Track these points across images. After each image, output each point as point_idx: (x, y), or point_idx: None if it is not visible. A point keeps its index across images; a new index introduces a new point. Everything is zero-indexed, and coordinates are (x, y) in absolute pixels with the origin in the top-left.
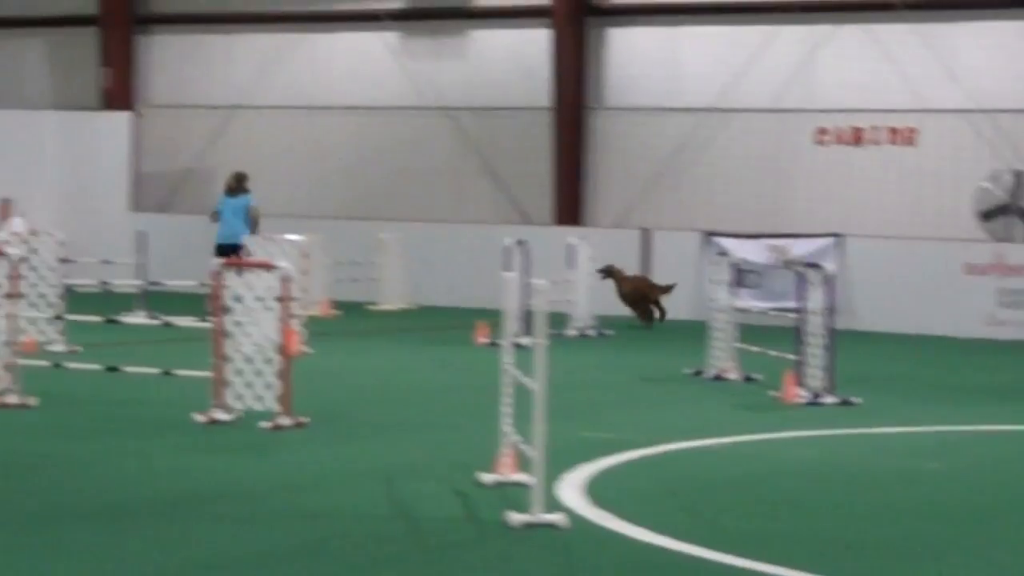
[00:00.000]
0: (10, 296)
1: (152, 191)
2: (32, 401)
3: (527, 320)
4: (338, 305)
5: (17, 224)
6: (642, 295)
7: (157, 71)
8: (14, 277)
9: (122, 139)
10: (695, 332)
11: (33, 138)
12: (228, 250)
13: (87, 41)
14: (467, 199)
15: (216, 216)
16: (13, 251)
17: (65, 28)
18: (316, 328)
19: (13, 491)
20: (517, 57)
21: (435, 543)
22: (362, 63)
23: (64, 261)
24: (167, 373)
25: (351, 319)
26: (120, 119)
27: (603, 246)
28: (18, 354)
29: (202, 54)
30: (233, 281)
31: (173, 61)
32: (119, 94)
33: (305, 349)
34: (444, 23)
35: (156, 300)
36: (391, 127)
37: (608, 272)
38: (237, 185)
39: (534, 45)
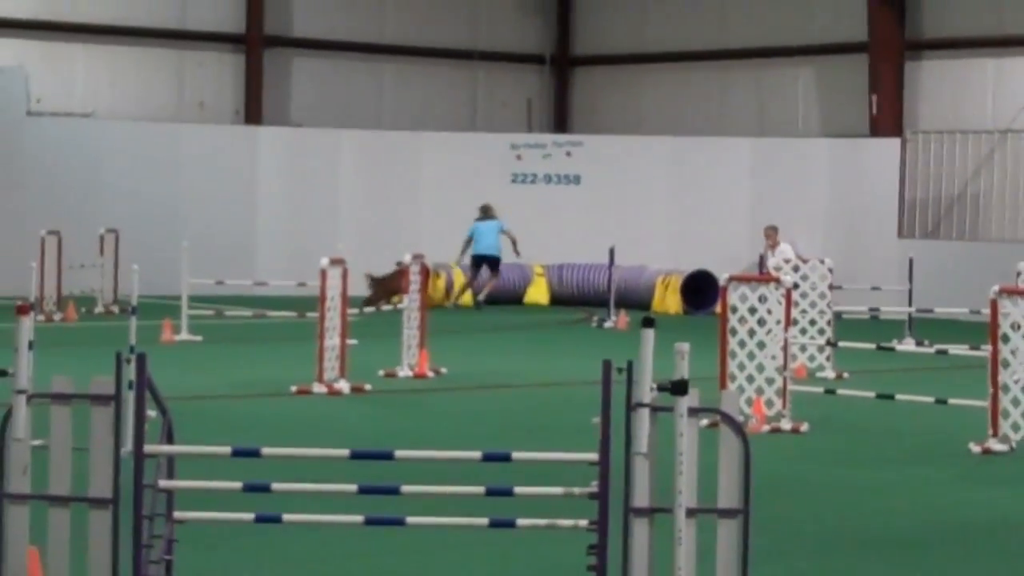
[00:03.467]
0: (784, 323)
1: (919, 217)
2: (804, 427)
3: None
4: None
5: (786, 251)
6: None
7: (925, 96)
8: (787, 304)
9: (891, 166)
10: None
11: (803, 165)
12: (482, 260)
13: (857, 68)
14: None
15: (469, 240)
16: (786, 278)
17: (835, 56)
18: None
19: (793, 516)
20: None
21: None
22: None
23: (833, 288)
24: (941, 402)
25: None
26: (889, 146)
27: None
28: (791, 380)
29: (972, 78)
30: (1009, 309)
31: (942, 86)
32: (887, 120)
33: None
34: None
35: (925, 327)
36: None
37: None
38: (485, 214)
39: None
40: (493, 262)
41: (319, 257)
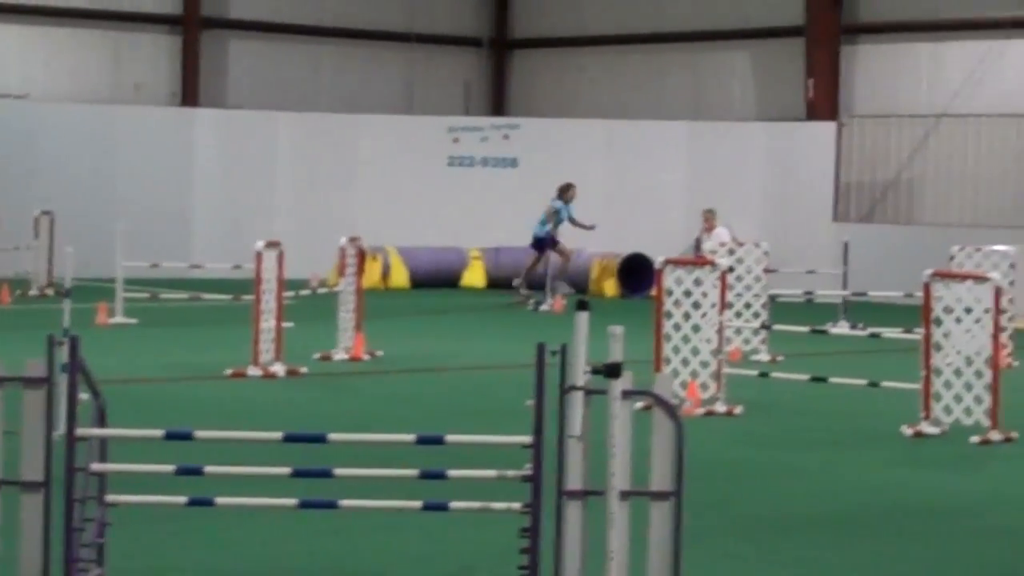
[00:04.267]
0: (719, 306)
1: (855, 201)
2: (738, 409)
3: None
4: None
5: (722, 234)
6: None
7: (861, 81)
8: (722, 287)
9: (827, 149)
10: None
11: (739, 149)
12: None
13: (793, 52)
14: None
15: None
16: (721, 261)
17: (772, 40)
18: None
19: (725, 498)
20: None
21: None
22: None
23: (768, 271)
24: (873, 384)
25: None
26: (825, 129)
27: None
28: (725, 363)
29: (908, 63)
30: (942, 292)
31: (878, 70)
32: (823, 104)
33: (1012, 362)
34: None
35: (859, 311)
36: None
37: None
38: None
39: None
40: (540, 243)
41: (255, 239)
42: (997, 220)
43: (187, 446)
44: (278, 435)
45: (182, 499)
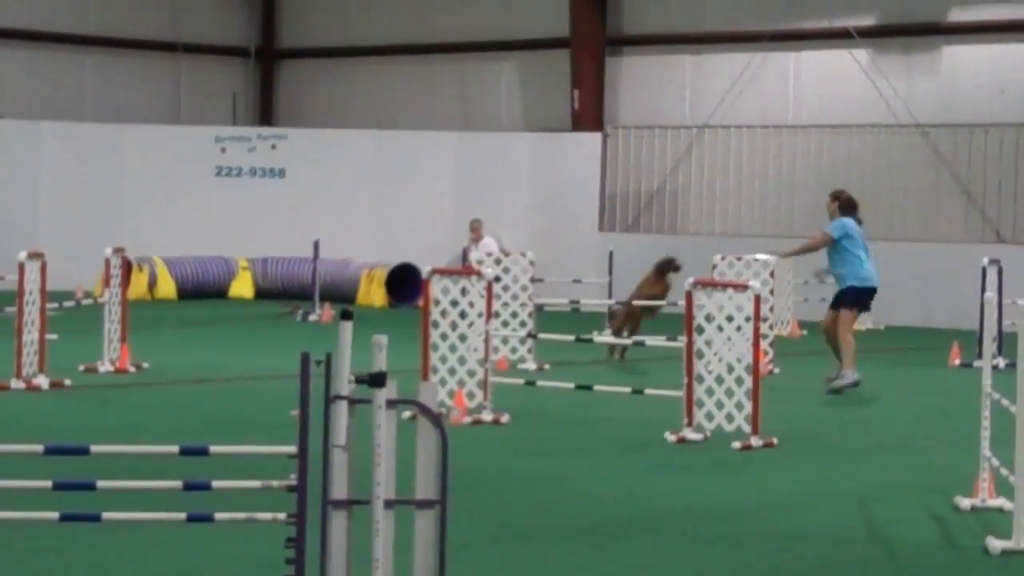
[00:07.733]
0: (485, 315)
1: (620, 211)
2: (505, 418)
3: (1003, 342)
4: (805, 325)
5: (490, 244)
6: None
7: (626, 92)
8: (488, 296)
9: (592, 160)
10: None
11: (506, 159)
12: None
13: (559, 63)
14: (939, 217)
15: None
16: (487, 271)
17: (538, 51)
18: (784, 348)
19: (490, 506)
20: (991, 73)
21: (911, 569)
22: (832, 81)
23: (535, 280)
24: (637, 392)
25: (818, 339)
26: (590, 140)
27: None
28: (492, 371)
29: (671, 74)
30: (704, 300)
31: (642, 82)
32: (589, 115)
33: (773, 369)
34: (917, 39)
35: None
36: (862, 145)
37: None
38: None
39: (1008, 60)
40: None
41: (18, 250)
42: (758, 230)
43: None
44: (39, 447)
45: None
